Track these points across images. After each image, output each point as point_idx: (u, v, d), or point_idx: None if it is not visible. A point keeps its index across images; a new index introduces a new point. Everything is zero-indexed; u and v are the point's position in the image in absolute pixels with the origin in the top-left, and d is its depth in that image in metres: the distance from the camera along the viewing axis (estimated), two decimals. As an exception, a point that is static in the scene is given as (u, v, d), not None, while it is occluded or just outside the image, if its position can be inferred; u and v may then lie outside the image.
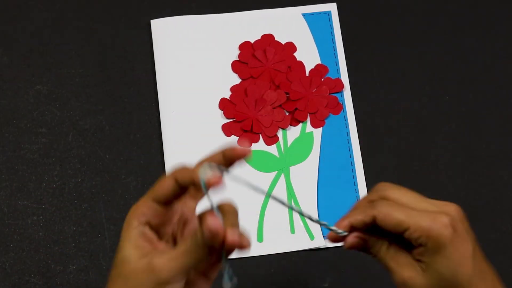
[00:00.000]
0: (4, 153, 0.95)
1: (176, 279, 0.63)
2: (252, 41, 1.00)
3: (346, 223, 0.67)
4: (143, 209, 0.65)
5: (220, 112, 0.97)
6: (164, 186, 0.65)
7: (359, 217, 0.67)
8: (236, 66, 0.99)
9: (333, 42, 1.01)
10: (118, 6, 1.02)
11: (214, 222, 0.60)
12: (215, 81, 0.99)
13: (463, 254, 0.66)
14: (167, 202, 0.65)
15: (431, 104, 0.98)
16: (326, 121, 0.97)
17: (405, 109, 0.98)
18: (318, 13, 1.02)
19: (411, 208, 0.65)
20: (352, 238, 0.67)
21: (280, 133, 0.96)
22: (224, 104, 0.97)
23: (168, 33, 1.00)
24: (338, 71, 0.99)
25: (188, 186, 0.64)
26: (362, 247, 0.68)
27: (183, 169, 0.65)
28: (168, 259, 0.63)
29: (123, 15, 1.01)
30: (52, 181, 0.94)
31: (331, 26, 1.01)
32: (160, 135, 0.96)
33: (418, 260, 0.66)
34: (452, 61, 1.01)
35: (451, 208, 0.67)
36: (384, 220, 0.65)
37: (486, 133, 0.97)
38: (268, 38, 1.00)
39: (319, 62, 1.00)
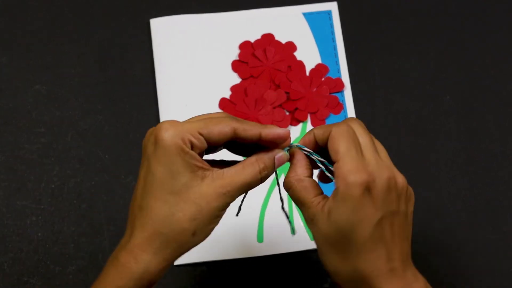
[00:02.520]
0: (3, 153, 0.95)
1: (236, 194, 0.66)
2: (252, 41, 1.00)
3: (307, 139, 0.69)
4: (189, 137, 0.65)
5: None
6: (220, 129, 0.66)
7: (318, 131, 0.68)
8: (236, 66, 0.99)
9: (333, 42, 1.01)
10: (117, 6, 1.02)
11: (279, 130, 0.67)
12: (215, 80, 0.98)
13: (365, 217, 0.64)
14: (213, 144, 0.67)
15: (431, 104, 0.98)
16: (326, 120, 0.97)
17: (405, 109, 0.98)
18: (319, 12, 1.02)
19: (355, 146, 0.66)
20: (283, 153, 0.69)
21: (280, 133, 0.96)
22: (224, 104, 0.97)
23: (168, 32, 1.00)
24: (338, 70, 0.99)
25: (247, 141, 0.67)
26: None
27: (250, 125, 0.67)
28: (229, 174, 0.66)
29: (122, 14, 1.01)
30: (51, 181, 0.94)
31: (332, 26, 1.01)
32: (160, 135, 0.96)
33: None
34: (452, 61, 1.00)
35: (386, 173, 0.65)
36: (330, 141, 0.66)
37: (486, 133, 0.97)
38: (268, 38, 1.00)
39: (320, 62, 1.00)
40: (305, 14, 1.02)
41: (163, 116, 0.96)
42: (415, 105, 0.98)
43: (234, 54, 1.00)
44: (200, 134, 0.65)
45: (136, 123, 0.96)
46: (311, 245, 0.92)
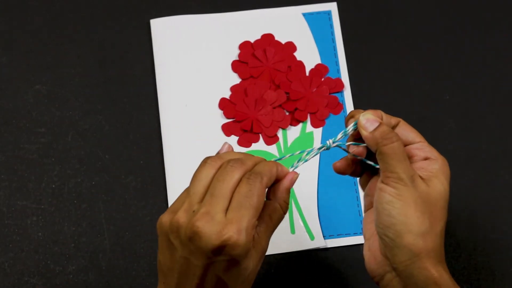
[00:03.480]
0: (4, 153, 0.95)
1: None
2: (252, 41, 1.00)
3: (378, 113, 0.73)
4: (253, 233, 0.66)
5: (220, 112, 0.97)
6: (263, 201, 0.67)
7: (388, 117, 0.74)
8: (236, 66, 0.99)
9: (333, 42, 1.01)
10: (118, 6, 1.01)
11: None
12: (215, 81, 0.98)
13: (448, 192, 0.72)
14: None
15: (431, 104, 0.98)
16: (326, 121, 0.97)
17: (405, 109, 0.98)
18: (318, 13, 1.02)
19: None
20: (372, 116, 0.72)
21: (280, 133, 0.96)
22: (224, 104, 0.97)
23: (168, 33, 1.00)
24: (338, 71, 0.99)
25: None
26: (377, 124, 0.72)
27: (268, 173, 0.69)
28: (263, 233, 0.69)
29: (122, 14, 1.01)
30: (52, 181, 0.94)
31: (332, 26, 1.01)
32: (160, 135, 0.96)
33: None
34: (452, 60, 1.00)
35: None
36: (406, 125, 0.74)
37: (486, 133, 0.97)
38: (268, 38, 1.00)
39: (319, 62, 1.00)
40: (305, 15, 1.02)
41: (163, 116, 0.96)
42: (415, 105, 0.98)
43: (234, 54, 1.00)
44: (256, 220, 0.66)
45: (136, 123, 0.96)
46: (311, 245, 0.91)
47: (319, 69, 0.99)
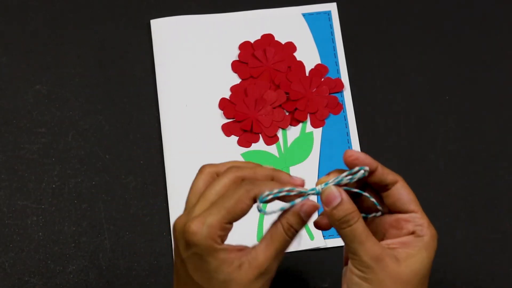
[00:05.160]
0: (4, 153, 0.95)
1: (274, 265, 0.66)
2: (252, 41, 1.00)
3: (357, 155, 0.68)
4: (218, 233, 0.64)
5: (220, 112, 0.97)
6: (242, 208, 0.65)
7: (385, 172, 0.69)
8: (236, 66, 0.99)
9: (333, 42, 1.01)
10: (118, 6, 1.01)
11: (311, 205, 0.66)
12: (215, 81, 0.98)
13: (430, 267, 0.67)
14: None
15: (431, 104, 0.98)
16: (326, 121, 0.97)
17: (405, 109, 0.98)
18: (318, 13, 1.02)
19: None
20: (334, 189, 0.67)
21: (280, 133, 0.96)
22: (224, 104, 0.97)
23: (168, 33, 1.00)
24: (338, 71, 0.99)
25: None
26: (334, 205, 0.67)
27: (265, 185, 0.66)
28: (261, 250, 0.65)
29: (122, 15, 1.01)
30: (52, 181, 0.94)
31: (331, 26, 1.01)
32: (160, 135, 0.96)
33: (392, 249, 0.67)
34: (452, 61, 1.01)
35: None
36: (402, 188, 0.68)
37: (486, 133, 0.97)
38: (268, 38, 1.00)
39: (319, 62, 1.00)
40: (304, 15, 1.02)
41: (164, 116, 0.96)
42: (415, 105, 0.98)
43: (234, 54, 1.00)
44: (226, 222, 0.65)
45: (136, 123, 0.96)
46: (311, 245, 0.92)
47: (319, 69, 0.99)
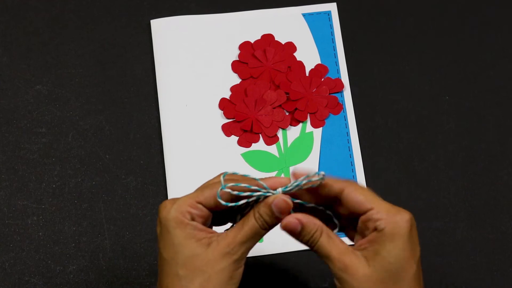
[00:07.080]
0: (4, 153, 0.95)
1: (241, 250, 0.67)
2: (252, 41, 1.00)
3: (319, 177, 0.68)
4: (187, 209, 0.67)
5: (220, 112, 0.97)
6: (213, 191, 0.68)
7: (331, 183, 0.68)
8: (236, 66, 0.99)
9: (333, 42, 1.01)
10: (118, 6, 1.02)
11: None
12: (215, 81, 0.99)
13: (412, 254, 0.66)
14: (215, 209, 0.69)
15: (431, 104, 0.98)
16: (326, 121, 0.97)
17: (405, 109, 0.98)
18: (318, 13, 1.02)
19: (372, 193, 0.68)
20: (292, 218, 0.68)
21: (280, 133, 0.96)
22: (224, 104, 0.97)
23: (168, 33, 1.00)
24: (338, 71, 0.99)
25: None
26: (297, 232, 0.68)
27: (247, 181, 0.68)
28: (231, 232, 0.67)
29: (122, 15, 1.01)
30: (52, 181, 0.94)
31: (331, 26, 1.01)
32: (160, 135, 0.96)
33: (362, 250, 0.67)
34: (452, 61, 1.01)
35: (409, 213, 0.68)
36: (350, 194, 0.68)
37: (486, 133, 0.97)
38: (268, 38, 1.00)
39: (319, 62, 1.00)
40: (304, 15, 1.02)
41: (164, 116, 0.96)
42: (415, 105, 0.98)
43: (234, 54, 1.00)
44: (199, 202, 0.67)
45: (136, 123, 0.97)
46: (311, 245, 0.92)
47: (319, 69, 0.99)
